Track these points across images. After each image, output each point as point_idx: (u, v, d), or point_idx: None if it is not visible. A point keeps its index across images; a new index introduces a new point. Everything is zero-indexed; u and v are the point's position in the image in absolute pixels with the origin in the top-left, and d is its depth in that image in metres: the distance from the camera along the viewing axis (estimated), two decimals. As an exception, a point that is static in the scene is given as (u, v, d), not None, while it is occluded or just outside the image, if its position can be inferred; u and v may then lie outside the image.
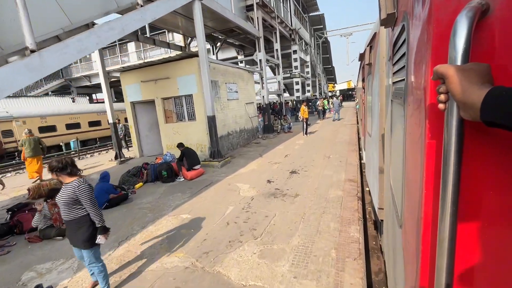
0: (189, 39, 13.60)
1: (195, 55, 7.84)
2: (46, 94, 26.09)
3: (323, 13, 24.77)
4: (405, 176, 1.10)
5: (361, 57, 4.51)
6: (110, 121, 9.36)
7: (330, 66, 38.24)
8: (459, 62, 0.56)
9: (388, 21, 1.35)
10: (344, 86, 45.96)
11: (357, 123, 14.80)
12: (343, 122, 16.57)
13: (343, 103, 35.33)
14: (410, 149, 1.01)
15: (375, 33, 2.68)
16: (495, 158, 0.61)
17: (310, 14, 24.44)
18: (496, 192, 0.62)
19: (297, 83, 19.42)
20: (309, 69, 23.55)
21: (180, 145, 6.81)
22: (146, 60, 14.19)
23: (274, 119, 14.13)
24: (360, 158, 7.79)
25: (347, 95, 49.03)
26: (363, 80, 5.12)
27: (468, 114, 0.55)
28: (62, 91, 29.16)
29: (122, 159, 9.48)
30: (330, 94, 43.40)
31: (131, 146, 13.14)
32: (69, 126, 19.66)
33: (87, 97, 21.89)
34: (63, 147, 18.91)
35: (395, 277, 1.51)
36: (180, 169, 6.64)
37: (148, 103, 9.32)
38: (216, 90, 8.80)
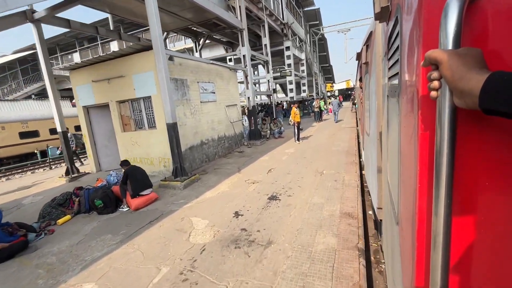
0: (165, 33, 12.02)
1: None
2: (29, 97, 24.63)
3: (319, 7, 23.20)
4: (401, 172, 1.09)
5: (358, 56, 4.41)
6: (59, 129, 7.75)
7: (327, 64, 36.59)
8: (450, 47, 0.54)
9: (382, 15, 1.35)
10: (343, 85, 44.40)
11: (357, 125, 13.24)
12: (341, 124, 14.97)
13: (343, 103, 33.73)
14: (405, 143, 0.99)
15: (371, 31, 2.68)
16: (490, 148, 0.59)
17: (305, 9, 22.86)
18: (492, 184, 0.60)
19: (290, 82, 17.80)
20: (304, 68, 21.93)
21: (123, 163, 5.19)
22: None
23: (263, 123, 12.49)
24: (361, 173, 6.19)
25: (346, 95, 47.40)
26: (360, 80, 4.90)
27: (464, 102, 0.52)
28: (45, 94, 27.63)
29: (74, 175, 7.85)
30: (329, 94, 41.79)
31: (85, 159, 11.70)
32: (53, 131, 18.32)
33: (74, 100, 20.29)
34: (39, 155, 17.48)
35: (393, 277, 1.44)
36: (124, 195, 5.02)
37: (105, 107, 7.71)
38: (184, 90, 7.19)
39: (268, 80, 13.49)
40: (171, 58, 6.79)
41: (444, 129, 0.56)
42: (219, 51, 18.55)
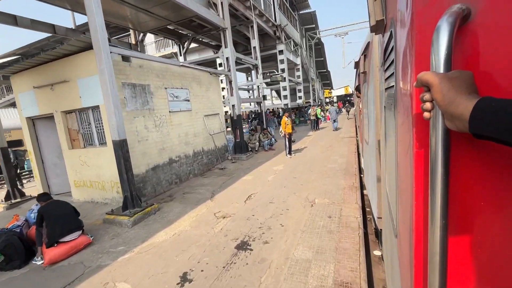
0: (141, 34, 10.83)
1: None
2: (12, 105, 23.37)
3: (315, 10, 22.19)
4: (398, 185, 1.07)
5: (357, 65, 4.38)
6: (-3, 145, 6.42)
7: (325, 70, 35.52)
8: (441, 69, 0.54)
9: (377, 28, 1.36)
10: (342, 91, 43.28)
11: (356, 135, 11.95)
12: (339, 134, 13.67)
13: (342, 109, 32.55)
14: (401, 157, 0.98)
15: (369, 42, 2.67)
16: (484, 168, 0.58)
17: (300, 12, 21.84)
18: (486, 203, 0.59)
19: (284, 88, 16.59)
20: (300, 73, 20.76)
21: (40, 198, 3.83)
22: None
23: (251, 133, 11.18)
24: (363, 200, 4.87)
25: (345, 101, 46.26)
26: (356, 88, 4.98)
27: (455, 125, 0.51)
28: (30, 101, 26.35)
29: (15, 201, 6.49)
30: (327, 100, 40.59)
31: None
32: (38, 140, 17.12)
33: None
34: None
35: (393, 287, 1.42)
36: (40, 242, 3.65)
37: (52, 118, 6.39)
38: (145, 98, 5.89)
39: (258, 86, 12.24)
40: (127, 59, 5.52)
41: (438, 148, 0.56)
42: (209, 55, 17.39)
